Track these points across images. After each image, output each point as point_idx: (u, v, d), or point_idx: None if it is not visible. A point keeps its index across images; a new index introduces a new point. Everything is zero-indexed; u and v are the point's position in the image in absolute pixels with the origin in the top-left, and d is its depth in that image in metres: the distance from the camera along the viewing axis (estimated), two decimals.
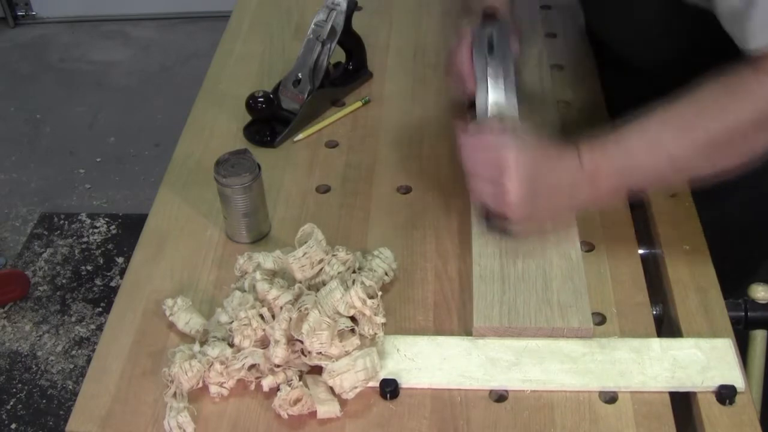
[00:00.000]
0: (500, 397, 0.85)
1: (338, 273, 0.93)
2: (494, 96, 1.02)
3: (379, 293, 0.89)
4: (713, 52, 0.88)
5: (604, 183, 0.90)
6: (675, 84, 0.88)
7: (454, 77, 1.09)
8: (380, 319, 0.88)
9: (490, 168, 0.91)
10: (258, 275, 0.91)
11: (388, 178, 1.13)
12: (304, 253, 0.92)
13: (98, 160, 2.73)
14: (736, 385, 0.83)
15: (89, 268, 2.33)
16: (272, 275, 0.94)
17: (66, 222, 2.48)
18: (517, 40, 1.08)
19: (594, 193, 0.92)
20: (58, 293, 2.26)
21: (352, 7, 1.22)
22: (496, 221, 0.95)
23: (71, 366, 2.07)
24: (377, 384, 0.85)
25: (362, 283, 0.88)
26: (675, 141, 0.87)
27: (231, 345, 0.87)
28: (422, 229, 1.04)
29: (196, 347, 0.87)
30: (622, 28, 1.12)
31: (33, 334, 2.15)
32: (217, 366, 0.85)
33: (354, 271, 0.95)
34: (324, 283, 0.91)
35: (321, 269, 0.93)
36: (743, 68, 0.84)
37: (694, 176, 0.92)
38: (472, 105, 1.05)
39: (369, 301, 0.87)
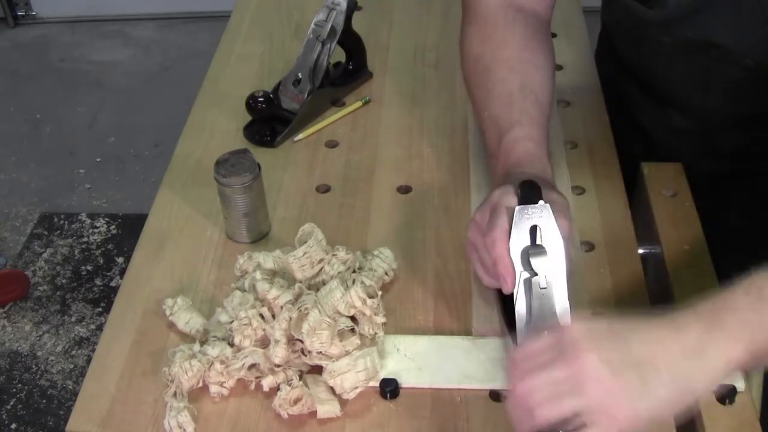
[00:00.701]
0: (500, 397, 0.85)
1: (338, 273, 0.93)
2: (542, 317, 0.80)
3: (379, 293, 0.89)
4: None
5: (730, 356, 0.69)
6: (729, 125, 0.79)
7: (480, 264, 0.87)
8: (380, 319, 0.88)
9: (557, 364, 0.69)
10: (258, 275, 0.91)
11: (388, 178, 1.13)
12: (304, 253, 0.92)
13: (98, 160, 2.73)
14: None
15: (89, 268, 2.33)
16: (272, 275, 0.94)
17: (66, 222, 2.48)
18: (566, 218, 0.84)
19: (712, 376, 0.71)
20: (58, 293, 2.26)
21: (352, 7, 1.23)
22: None
23: (71, 366, 2.07)
24: (377, 384, 0.85)
25: (362, 282, 0.88)
26: None
27: (231, 345, 0.87)
28: (422, 229, 1.04)
29: (196, 347, 0.87)
30: (690, 83, 1.05)
31: (33, 334, 2.15)
32: (217, 366, 0.85)
33: (354, 271, 0.95)
34: (324, 283, 0.91)
35: (321, 269, 0.93)
36: None
37: None
38: (507, 303, 0.84)
39: (369, 301, 0.87)
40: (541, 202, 0.81)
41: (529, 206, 0.81)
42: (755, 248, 1.18)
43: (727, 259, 0.99)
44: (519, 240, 0.81)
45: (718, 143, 1.09)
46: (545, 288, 0.80)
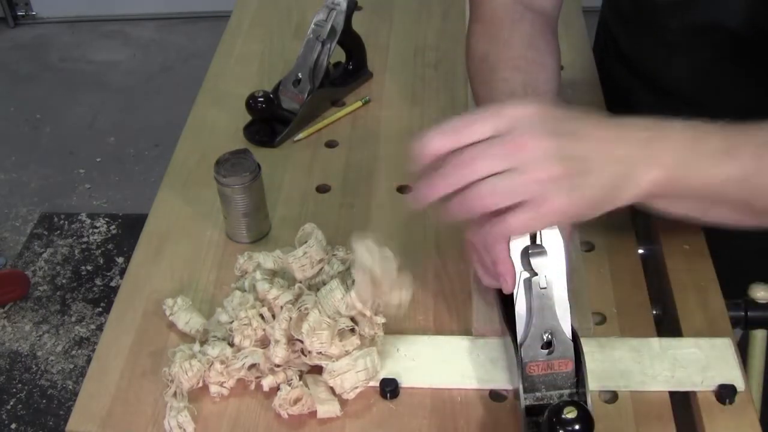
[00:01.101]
0: (500, 396, 0.85)
1: (338, 273, 0.93)
2: (543, 317, 0.80)
3: None
4: None
5: (666, 160, 0.73)
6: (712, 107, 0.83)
7: (480, 265, 0.86)
8: (380, 320, 0.88)
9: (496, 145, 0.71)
10: (258, 275, 0.91)
11: (388, 178, 1.13)
12: (304, 253, 0.92)
13: (98, 160, 2.73)
14: (736, 385, 0.83)
15: (89, 268, 2.33)
16: (272, 275, 0.94)
17: (66, 222, 2.48)
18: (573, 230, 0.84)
19: (648, 171, 0.74)
20: (58, 293, 2.26)
21: (352, 7, 1.23)
22: None
23: (71, 366, 2.07)
24: (377, 384, 0.85)
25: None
26: (750, 163, 0.74)
27: (231, 345, 0.87)
28: (422, 229, 1.04)
29: (196, 347, 0.87)
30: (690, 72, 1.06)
31: (33, 334, 2.15)
32: (217, 366, 0.85)
33: None
34: (324, 283, 0.91)
35: (321, 269, 0.93)
36: None
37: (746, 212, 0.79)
38: (507, 302, 0.84)
39: (369, 302, 0.87)
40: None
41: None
42: (754, 246, 1.18)
43: (727, 259, 1.00)
44: (519, 240, 0.80)
45: None
46: (545, 288, 0.80)
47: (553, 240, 0.80)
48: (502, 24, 1.02)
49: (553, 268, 0.80)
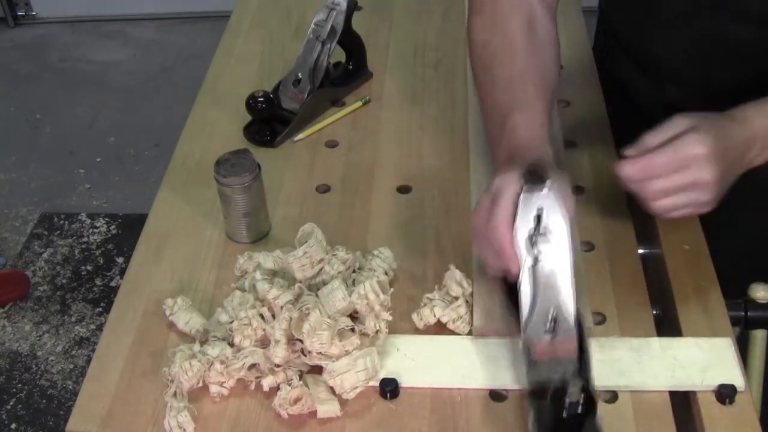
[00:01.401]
0: (500, 396, 0.85)
1: (338, 273, 0.93)
2: (547, 298, 0.81)
3: (391, 290, 0.89)
4: None
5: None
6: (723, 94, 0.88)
7: (486, 250, 0.87)
8: (387, 316, 0.88)
9: (679, 172, 0.85)
10: (258, 275, 0.91)
11: (388, 178, 1.13)
12: (304, 253, 0.92)
13: (98, 160, 2.73)
14: (736, 385, 0.83)
15: (89, 268, 2.33)
16: (272, 275, 0.94)
17: (66, 222, 2.48)
18: (570, 200, 0.84)
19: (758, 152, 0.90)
20: (58, 293, 2.26)
21: (352, 7, 1.23)
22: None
23: (71, 366, 2.07)
24: (377, 383, 0.85)
25: (377, 277, 0.88)
26: None
27: (231, 345, 0.87)
28: (422, 229, 1.04)
29: (196, 347, 0.87)
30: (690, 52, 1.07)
31: (33, 334, 2.15)
32: (217, 366, 0.85)
33: (354, 271, 0.95)
34: (324, 283, 0.91)
35: (321, 269, 0.94)
36: None
37: None
38: (511, 288, 0.84)
39: (382, 296, 0.87)
40: (547, 183, 0.81)
41: (534, 189, 0.81)
42: (754, 246, 1.18)
43: (727, 259, 1.00)
44: (524, 225, 0.81)
45: None
46: (550, 272, 0.80)
47: (557, 224, 0.81)
48: (502, 12, 1.04)
49: (557, 252, 0.81)
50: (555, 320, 0.80)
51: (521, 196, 0.81)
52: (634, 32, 1.14)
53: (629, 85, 1.18)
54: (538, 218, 0.81)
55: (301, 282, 0.92)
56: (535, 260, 0.81)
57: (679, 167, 0.85)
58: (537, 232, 0.81)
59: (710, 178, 0.85)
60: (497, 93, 0.99)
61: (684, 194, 0.87)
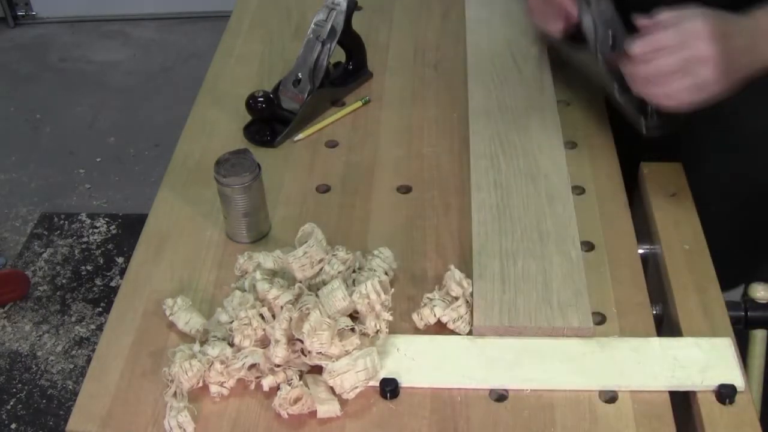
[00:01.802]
0: (500, 396, 0.85)
1: (338, 273, 0.93)
2: (606, 27, 1.06)
3: (392, 290, 0.89)
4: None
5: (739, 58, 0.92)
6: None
7: (547, 14, 1.11)
8: (388, 316, 0.88)
9: (680, 47, 0.91)
10: (258, 275, 0.91)
11: (388, 178, 1.13)
12: (304, 253, 0.92)
13: (98, 160, 2.73)
14: (736, 385, 0.83)
15: (89, 268, 2.33)
16: (272, 275, 0.94)
17: (66, 222, 2.48)
18: None
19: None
20: (58, 293, 2.26)
21: (352, 7, 1.22)
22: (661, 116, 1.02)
23: (71, 366, 2.07)
24: (377, 383, 0.85)
25: (378, 277, 0.88)
26: None
27: (231, 345, 0.87)
28: (422, 229, 1.04)
29: (196, 347, 0.87)
30: None
31: (33, 334, 2.15)
32: (217, 366, 0.85)
33: (354, 271, 0.95)
34: (324, 283, 0.91)
35: (321, 269, 0.93)
36: None
37: None
38: (571, 37, 1.10)
39: (383, 296, 0.87)
40: None
41: None
42: (754, 246, 1.18)
43: (727, 259, 1.00)
44: None
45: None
46: (600, 7, 1.05)
47: None
48: None
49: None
50: (614, 37, 1.05)
51: None
52: None
53: None
54: None
55: (301, 282, 0.92)
56: (587, 3, 1.06)
57: (678, 44, 0.91)
58: None
59: (710, 52, 0.90)
60: None
61: (686, 77, 0.92)
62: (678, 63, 0.91)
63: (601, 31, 1.06)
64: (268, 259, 0.96)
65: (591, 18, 1.07)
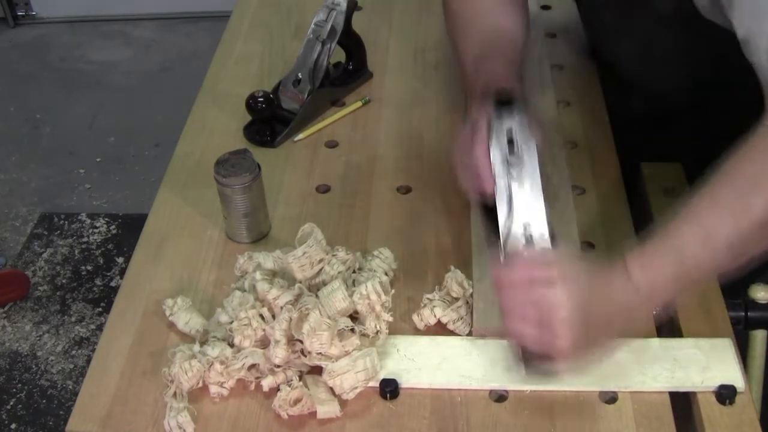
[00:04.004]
0: (500, 397, 0.85)
1: (338, 273, 0.93)
2: (522, 214, 0.87)
3: (392, 291, 0.89)
4: (729, 78, 0.89)
5: (661, 296, 0.81)
6: (684, 109, 0.86)
7: (466, 176, 0.93)
8: (388, 317, 0.88)
9: (536, 310, 0.78)
10: (258, 275, 0.91)
11: (388, 178, 1.13)
12: (304, 253, 0.92)
13: (98, 160, 2.73)
14: (736, 385, 0.83)
15: (89, 268, 2.33)
16: (272, 275, 0.94)
17: (66, 222, 2.48)
18: (540, 127, 0.91)
19: (650, 310, 0.85)
20: (58, 293, 2.26)
21: (352, 7, 1.22)
22: (536, 363, 0.82)
23: (71, 366, 2.07)
24: (377, 384, 0.85)
25: (379, 278, 0.88)
26: (731, 226, 0.77)
27: (231, 345, 0.87)
28: (422, 229, 1.04)
29: (196, 347, 0.87)
30: (632, 54, 1.11)
31: (33, 334, 2.15)
32: (217, 366, 0.85)
33: (354, 271, 0.95)
34: (324, 283, 0.91)
35: (321, 269, 0.93)
36: (763, 128, 0.78)
37: (749, 258, 0.80)
38: (489, 210, 0.90)
39: (383, 297, 0.87)
40: (515, 105, 0.88)
41: (504, 111, 0.88)
42: None
43: None
44: (498, 148, 0.88)
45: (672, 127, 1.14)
46: (523, 186, 0.88)
47: (528, 141, 0.88)
48: None
49: (529, 173, 0.87)
50: (530, 233, 0.87)
51: (492, 116, 0.89)
52: (596, 39, 1.23)
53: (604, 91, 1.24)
54: (510, 141, 0.88)
55: (301, 282, 0.92)
56: (509, 180, 0.88)
57: (538, 312, 0.79)
58: (511, 153, 0.87)
59: (566, 335, 0.78)
60: (469, 47, 1.07)
61: (534, 330, 0.80)
62: (530, 318, 0.80)
63: (514, 222, 0.87)
64: (268, 259, 0.96)
65: (506, 202, 0.87)
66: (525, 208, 0.87)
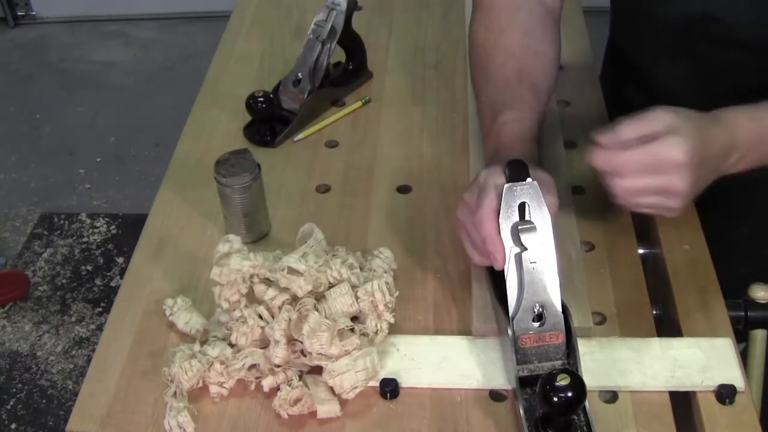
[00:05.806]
0: (500, 397, 0.85)
1: (346, 278, 0.92)
2: (534, 294, 0.82)
3: (397, 292, 0.89)
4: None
5: (746, 150, 0.87)
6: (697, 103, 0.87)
7: (470, 243, 0.89)
8: (390, 318, 0.88)
9: (650, 161, 0.82)
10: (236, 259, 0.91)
11: (388, 178, 1.13)
12: (304, 253, 0.92)
13: (98, 160, 2.73)
14: (736, 385, 0.83)
15: (89, 268, 2.33)
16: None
17: (66, 222, 2.48)
18: (553, 196, 0.87)
19: (734, 164, 0.88)
20: (58, 293, 2.26)
21: (352, 7, 1.22)
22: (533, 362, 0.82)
23: (71, 366, 2.07)
24: (377, 384, 0.85)
25: (385, 278, 0.89)
26: None
27: (231, 345, 0.87)
28: (422, 229, 1.04)
29: (196, 347, 0.87)
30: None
31: (33, 334, 2.15)
32: (217, 366, 0.85)
33: (361, 269, 0.94)
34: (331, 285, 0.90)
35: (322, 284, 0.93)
36: None
37: None
38: (496, 274, 0.87)
39: (387, 297, 0.87)
40: (528, 179, 0.84)
41: (517, 184, 0.83)
42: (754, 246, 1.18)
43: (727, 259, 1.00)
44: (508, 216, 0.83)
45: None
46: (535, 262, 0.82)
47: (541, 216, 0.83)
48: (500, 12, 1.05)
49: (542, 243, 0.83)
50: (542, 309, 0.82)
51: (504, 189, 0.83)
52: (638, 56, 1.15)
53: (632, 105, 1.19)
54: (522, 210, 0.83)
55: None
56: (521, 252, 0.83)
57: (653, 170, 0.83)
58: (521, 223, 0.83)
59: (683, 188, 0.83)
60: (490, 91, 1.02)
61: (652, 197, 0.85)
62: (645, 189, 0.85)
63: (525, 299, 0.83)
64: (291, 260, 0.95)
65: (517, 276, 0.83)
66: (537, 290, 0.82)
